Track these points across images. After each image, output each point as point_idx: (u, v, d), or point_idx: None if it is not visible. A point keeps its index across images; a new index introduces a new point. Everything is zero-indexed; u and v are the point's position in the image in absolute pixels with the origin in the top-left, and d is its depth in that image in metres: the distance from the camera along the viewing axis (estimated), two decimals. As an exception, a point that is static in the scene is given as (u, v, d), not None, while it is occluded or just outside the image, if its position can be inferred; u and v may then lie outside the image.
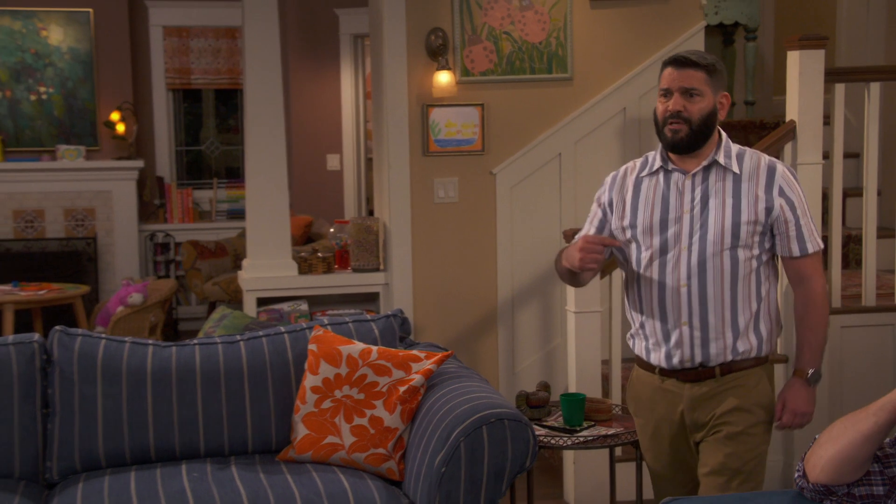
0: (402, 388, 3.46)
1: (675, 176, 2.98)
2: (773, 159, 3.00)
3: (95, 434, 3.49)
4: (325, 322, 3.81)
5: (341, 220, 6.61)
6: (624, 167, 3.15)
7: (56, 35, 8.53)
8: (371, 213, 8.59)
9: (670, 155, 3.01)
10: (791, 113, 4.69)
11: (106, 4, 8.59)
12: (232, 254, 8.32)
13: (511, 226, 5.53)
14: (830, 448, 2.26)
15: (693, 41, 5.57)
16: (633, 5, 5.53)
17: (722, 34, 6.98)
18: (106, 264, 8.68)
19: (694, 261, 2.91)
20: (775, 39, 7.21)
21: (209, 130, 9.50)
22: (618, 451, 4.00)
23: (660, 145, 3.05)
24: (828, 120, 4.75)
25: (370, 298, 5.64)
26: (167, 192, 8.92)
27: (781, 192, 2.93)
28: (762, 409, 3.01)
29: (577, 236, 3.14)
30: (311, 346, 3.62)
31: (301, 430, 3.52)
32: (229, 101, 9.51)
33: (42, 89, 8.58)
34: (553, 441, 3.53)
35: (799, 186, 2.98)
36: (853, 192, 5.64)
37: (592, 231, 3.15)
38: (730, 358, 2.96)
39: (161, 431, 3.55)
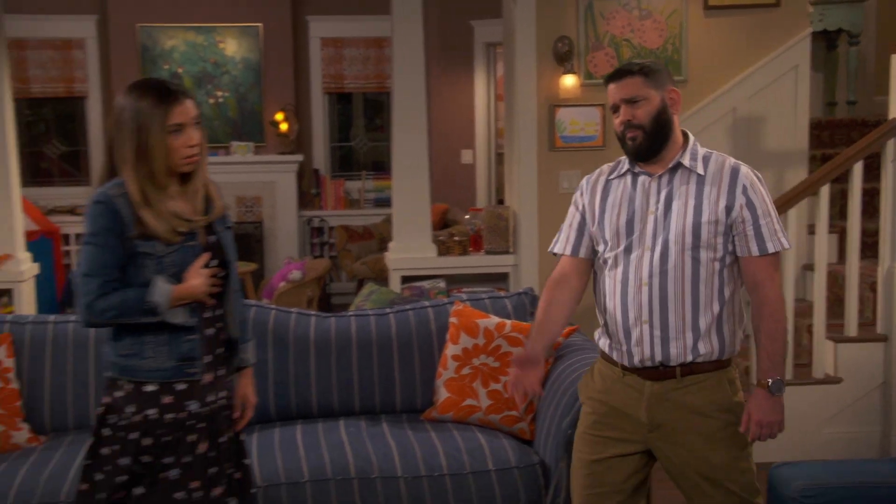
0: (532, 358, 3.43)
1: (642, 179, 2.68)
2: (738, 162, 2.69)
3: (267, 391, 3.57)
4: (465, 298, 3.81)
5: (475, 208, 6.60)
6: (598, 170, 2.83)
7: (231, 47, 8.74)
8: (500, 202, 8.57)
9: None
10: (893, 111, 4.49)
11: (273, 19, 8.75)
12: (378, 237, 8.41)
13: (628, 214, 5.43)
14: None
15: (799, 47, 5.39)
16: (744, 13, 5.38)
17: (825, 39, 6.72)
18: (270, 245, 8.88)
19: (656, 260, 2.61)
20: (877, 44, 6.90)
21: (358, 129, 9.61)
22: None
23: None
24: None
25: (501, 278, 5.63)
26: (322, 183, 9.06)
27: (744, 192, 2.61)
28: (723, 411, 2.63)
29: (555, 246, 2.85)
30: (452, 319, 3.63)
31: (443, 393, 3.54)
32: (376, 102, 9.60)
33: (219, 94, 8.81)
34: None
35: (764, 189, 2.66)
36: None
37: (573, 235, 2.80)
38: (690, 359, 2.61)
39: (322, 391, 3.62)
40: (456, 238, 5.58)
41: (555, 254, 2.86)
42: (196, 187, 2.62)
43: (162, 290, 2.49)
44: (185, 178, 2.60)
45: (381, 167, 9.49)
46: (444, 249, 5.51)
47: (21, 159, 6.17)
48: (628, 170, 2.72)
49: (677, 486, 2.72)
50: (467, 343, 3.54)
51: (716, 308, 2.62)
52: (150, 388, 2.53)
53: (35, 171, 8.98)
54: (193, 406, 2.57)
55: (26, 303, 5.35)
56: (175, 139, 2.51)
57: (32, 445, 3.36)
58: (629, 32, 5.33)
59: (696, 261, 2.60)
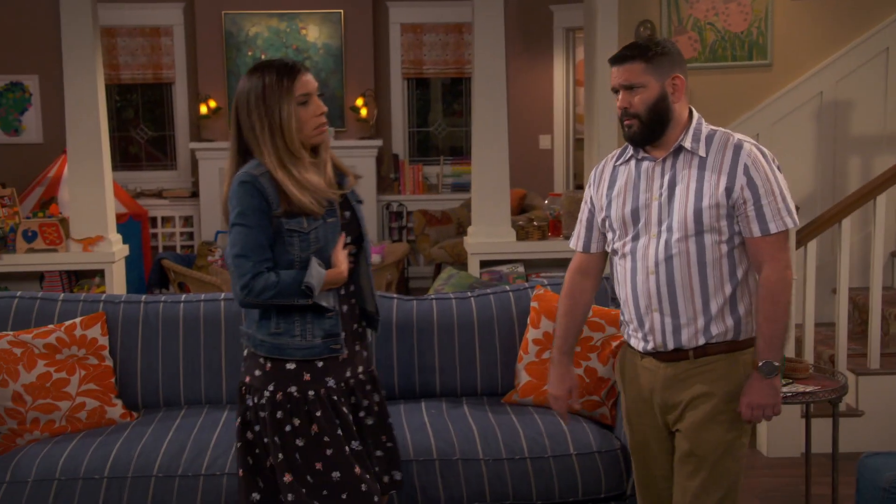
0: (614, 343, 3.41)
1: (645, 164, 2.62)
2: (743, 138, 2.58)
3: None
4: (546, 283, 3.79)
5: (554, 193, 6.57)
6: (605, 158, 2.79)
7: (313, 33, 8.82)
8: (578, 187, 8.50)
9: None
10: None
11: (354, 6, 8.80)
12: (455, 221, 8.42)
13: (710, 200, 5.35)
14: None
15: (890, 29, 5.23)
16: (833, -5, 5.24)
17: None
18: (350, 229, 8.94)
19: (661, 248, 2.56)
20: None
21: (437, 114, 9.62)
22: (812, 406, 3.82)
23: None
24: None
25: (580, 263, 5.59)
26: (401, 168, 9.10)
27: (746, 171, 2.51)
28: (731, 396, 2.59)
29: (571, 241, 2.88)
30: (534, 304, 3.62)
31: (523, 377, 3.53)
32: (454, 88, 9.59)
33: (301, 79, 8.88)
34: (753, 396, 3.40)
35: (767, 165, 2.54)
36: None
37: (583, 232, 2.81)
38: (703, 341, 2.57)
39: (404, 373, 3.64)
40: (535, 223, 5.57)
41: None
42: (325, 160, 2.66)
43: (318, 274, 2.53)
44: (314, 151, 2.64)
45: (458, 152, 9.49)
46: (522, 234, 5.50)
47: (111, 144, 6.33)
48: (632, 155, 2.67)
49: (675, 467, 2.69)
50: (548, 327, 3.52)
51: (727, 290, 2.56)
52: (290, 365, 2.58)
53: (124, 156, 9.20)
54: (331, 382, 2.62)
55: (117, 283, 5.50)
56: (304, 110, 2.56)
57: (126, 421, 3.45)
58: (713, 16, 5.23)
59: (700, 246, 2.55)
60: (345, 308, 2.68)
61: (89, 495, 3.06)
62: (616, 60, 2.60)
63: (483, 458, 3.17)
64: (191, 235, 8.80)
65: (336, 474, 2.56)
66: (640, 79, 2.54)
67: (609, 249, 2.76)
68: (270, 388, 2.58)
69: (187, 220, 8.81)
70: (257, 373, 2.61)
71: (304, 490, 2.55)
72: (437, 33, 9.11)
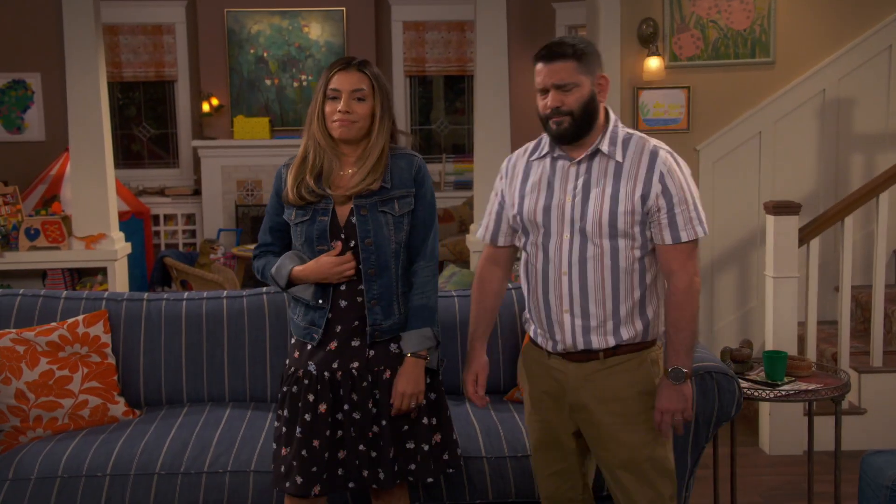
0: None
1: (561, 163, 2.61)
2: (659, 144, 2.59)
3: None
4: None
5: (556, 190, 6.55)
6: (518, 151, 2.76)
7: (315, 31, 8.82)
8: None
9: None
10: None
11: (356, 3, 8.80)
12: (458, 219, 8.42)
13: (712, 197, 5.34)
14: None
15: (893, 26, 5.22)
16: (836, -7, 5.23)
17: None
18: (352, 226, 8.93)
19: (575, 249, 2.56)
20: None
21: (439, 112, 9.62)
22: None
23: None
24: None
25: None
26: (403, 166, 9.08)
27: (661, 179, 2.52)
28: (642, 393, 2.61)
29: (478, 230, 2.85)
30: (536, 301, 3.60)
31: (526, 375, 3.52)
32: (456, 86, 9.58)
33: (303, 77, 8.90)
34: (756, 394, 3.40)
35: (682, 173, 2.55)
36: None
37: (492, 223, 2.78)
38: (613, 343, 2.59)
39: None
40: (537, 221, 5.56)
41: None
42: (369, 160, 2.70)
43: (281, 270, 2.75)
44: (363, 148, 2.73)
45: (460, 150, 9.49)
46: (525, 232, 5.49)
47: (113, 142, 6.33)
48: (548, 152, 2.65)
49: (601, 469, 2.72)
50: (551, 325, 3.51)
51: (637, 294, 2.58)
52: (292, 340, 2.85)
53: (126, 154, 9.20)
54: (312, 367, 2.74)
55: (119, 281, 5.50)
56: (330, 104, 2.70)
57: (128, 418, 3.45)
58: (716, 13, 5.22)
59: (614, 250, 2.55)
60: (343, 303, 2.74)
61: (92, 493, 3.06)
62: (547, 58, 2.55)
63: (485, 456, 3.16)
64: (193, 233, 8.80)
65: (284, 450, 2.74)
66: (575, 78, 2.53)
67: (518, 244, 2.75)
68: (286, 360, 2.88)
69: (189, 218, 8.81)
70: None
71: (280, 466, 2.77)
72: (439, 31, 9.11)
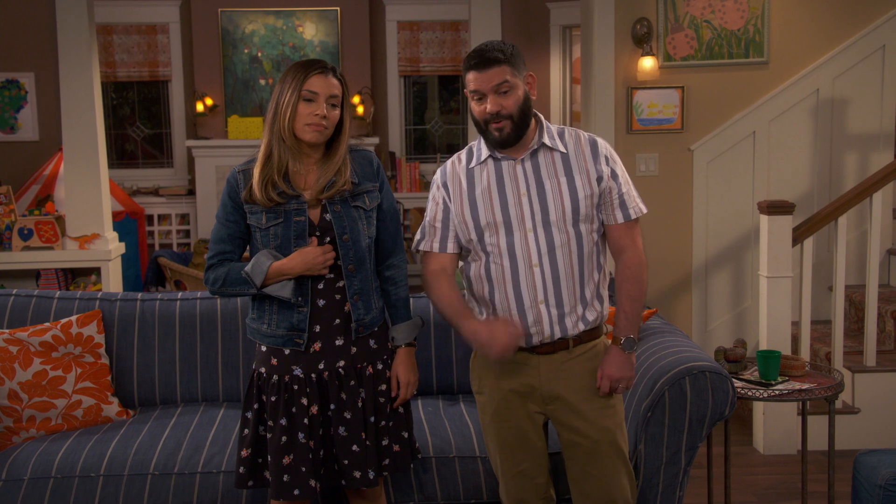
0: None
1: (506, 164, 2.69)
2: (590, 134, 2.75)
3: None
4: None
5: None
6: (449, 161, 2.81)
7: (310, 30, 8.81)
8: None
9: None
10: None
11: (351, 3, 8.80)
12: (452, 219, 8.41)
13: (706, 197, 5.36)
14: None
15: (887, 26, 5.23)
16: (830, -7, 5.24)
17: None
18: (347, 226, 8.93)
19: (542, 241, 2.64)
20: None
21: (433, 112, 9.61)
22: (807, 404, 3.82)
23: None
24: None
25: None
26: (398, 165, 9.10)
27: (607, 162, 2.69)
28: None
29: (420, 243, 2.81)
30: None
31: (520, 374, 3.53)
32: (451, 85, 9.58)
33: (297, 77, 8.87)
34: (750, 393, 3.41)
35: (617, 156, 2.75)
36: None
37: (438, 232, 2.76)
38: (582, 328, 2.70)
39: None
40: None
41: (418, 251, 2.85)
42: (334, 162, 2.73)
43: (258, 266, 2.67)
44: (328, 151, 2.74)
45: (455, 149, 9.46)
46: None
47: (107, 142, 6.32)
48: (489, 156, 2.71)
49: (566, 459, 2.80)
50: (545, 325, 3.51)
51: (596, 277, 2.72)
52: (263, 348, 2.78)
53: (120, 153, 9.18)
54: (298, 371, 2.73)
55: (113, 281, 5.49)
56: (305, 106, 2.66)
57: (122, 419, 3.45)
58: (710, 13, 5.23)
59: (579, 235, 2.67)
60: (321, 302, 2.74)
61: (85, 493, 3.05)
62: (481, 65, 2.60)
63: (480, 456, 3.16)
64: (187, 233, 8.79)
65: (287, 458, 2.70)
66: (509, 80, 2.61)
67: (469, 250, 2.74)
68: (252, 365, 2.82)
69: (184, 218, 8.80)
70: (256, 355, 2.83)
71: (240, 467, 2.77)
72: (433, 31, 9.10)
